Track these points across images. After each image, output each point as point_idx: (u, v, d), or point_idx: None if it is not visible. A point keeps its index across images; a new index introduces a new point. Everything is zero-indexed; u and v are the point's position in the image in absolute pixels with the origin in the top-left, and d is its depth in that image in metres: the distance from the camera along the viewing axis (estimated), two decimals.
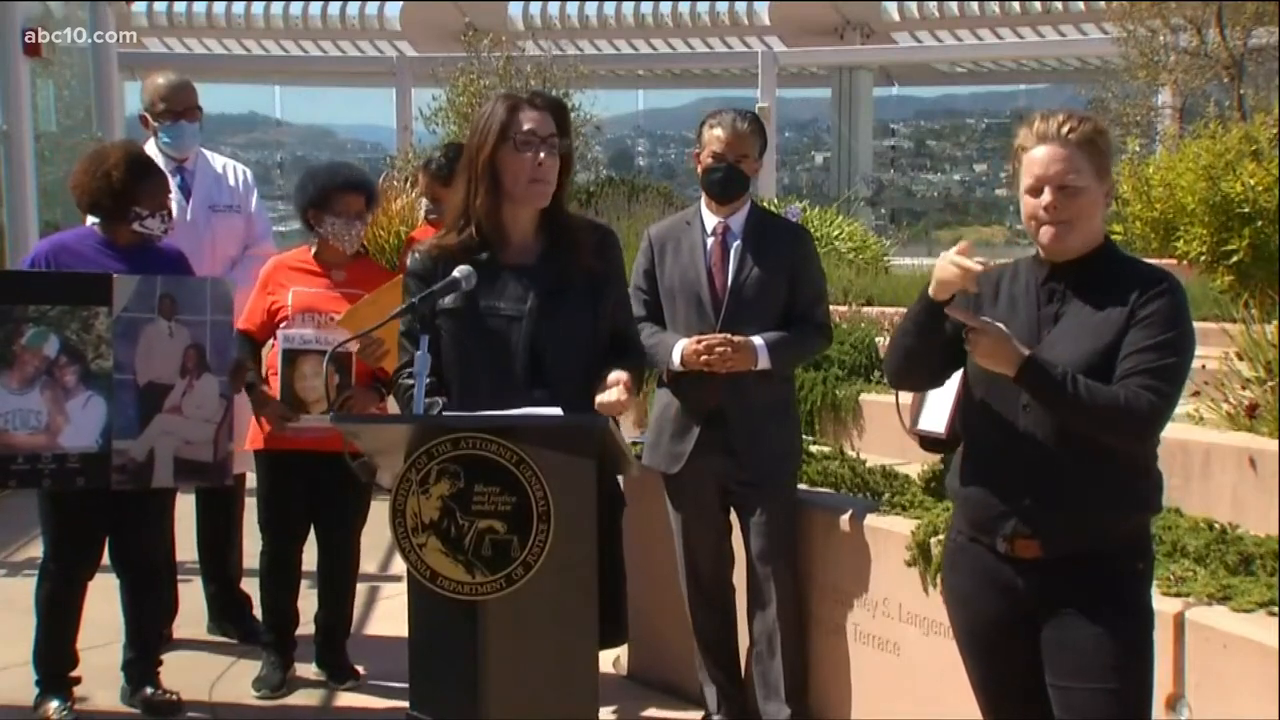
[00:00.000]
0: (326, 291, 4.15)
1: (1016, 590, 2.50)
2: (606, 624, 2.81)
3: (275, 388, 4.08)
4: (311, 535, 4.33)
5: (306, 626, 4.42)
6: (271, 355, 4.19)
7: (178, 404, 3.85)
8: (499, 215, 2.99)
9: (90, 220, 4.13)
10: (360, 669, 4.36)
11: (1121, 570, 2.47)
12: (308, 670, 4.39)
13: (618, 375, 2.91)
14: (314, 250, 4.24)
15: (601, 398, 2.88)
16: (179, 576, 4.74)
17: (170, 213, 4.09)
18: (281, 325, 4.08)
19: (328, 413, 3.93)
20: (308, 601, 4.41)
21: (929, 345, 2.55)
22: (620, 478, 3.14)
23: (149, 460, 3.81)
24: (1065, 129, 2.44)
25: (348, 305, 4.07)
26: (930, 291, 2.48)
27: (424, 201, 4.75)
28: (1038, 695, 2.51)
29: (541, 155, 2.93)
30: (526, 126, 2.94)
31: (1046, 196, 2.43)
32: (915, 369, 2.66)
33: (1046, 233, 2.45)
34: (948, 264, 2.44)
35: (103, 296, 3.75)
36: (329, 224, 4.13)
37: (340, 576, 4.32)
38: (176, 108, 4.69)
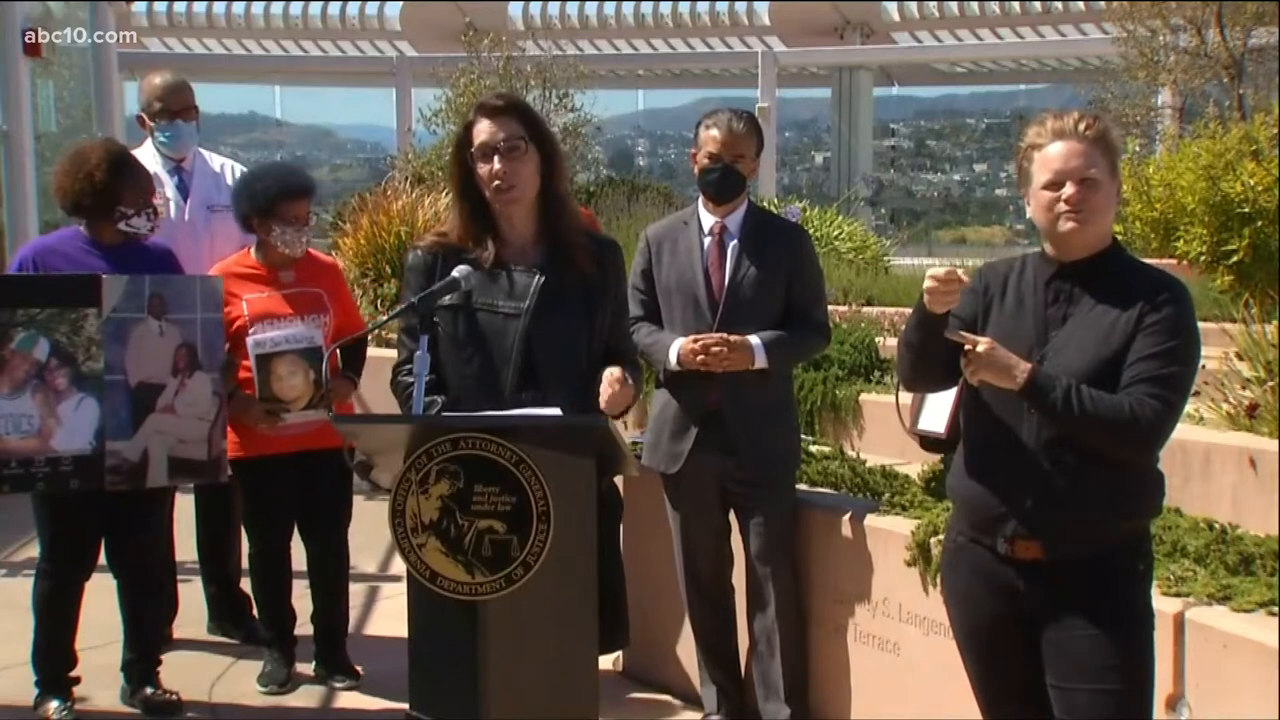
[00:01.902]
0: (277, 294, 4.13)
1: (1017, 591, 2.50)
2: (607, 628, 2.81)
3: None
4: (298, 537, 4.32)
5: (305, 626, 4.41)
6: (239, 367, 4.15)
7: (170, 403, 3.84)
8: (488, 221, 3.03)
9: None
10: (359, 669, 4.36)
11: (1122, 572, 2.47)
12: (307, 670, 4.38)
13: (610, 371, 2.93)
14: (256, 253, 4.21)
15: (602, 397, 2.90)
16: (179, 576, 4.74)
17: (156, 210, 4.08)
18: (250, 332, 4.04)
19: (309, 408, 3.96)
20: (307, 601, 4.42)
21: (932, 351, 2.55)
22: (618, 481, 3.14)
23: (143, 460, 3.81)
24: (1081, 125, 2.47)
25: (299, 308, 4.09)
26: (925, 304, 2.48)
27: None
28: (1037, 695, 2.51)
29: (496, 164, 2.96)
30: (479, 140, 2.99)
31: (1068, 190, 2.44)
32: (925, 374, 2.66)
33: (1067, 225, 2.45)
34: (928, 282, 2.44)
35: (91, 298, 3.73)
36: (277, 232, 4.11)
37: (333, 575, 4.33)
38: (173, 107, 4.69)
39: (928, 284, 2.44)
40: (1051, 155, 2.46)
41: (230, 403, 4.02)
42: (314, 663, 4.37)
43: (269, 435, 4.04)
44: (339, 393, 4.10)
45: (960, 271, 2.45)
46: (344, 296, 4.29)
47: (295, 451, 4.04)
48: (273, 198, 4.09)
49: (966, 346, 2.44)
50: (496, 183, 2.97)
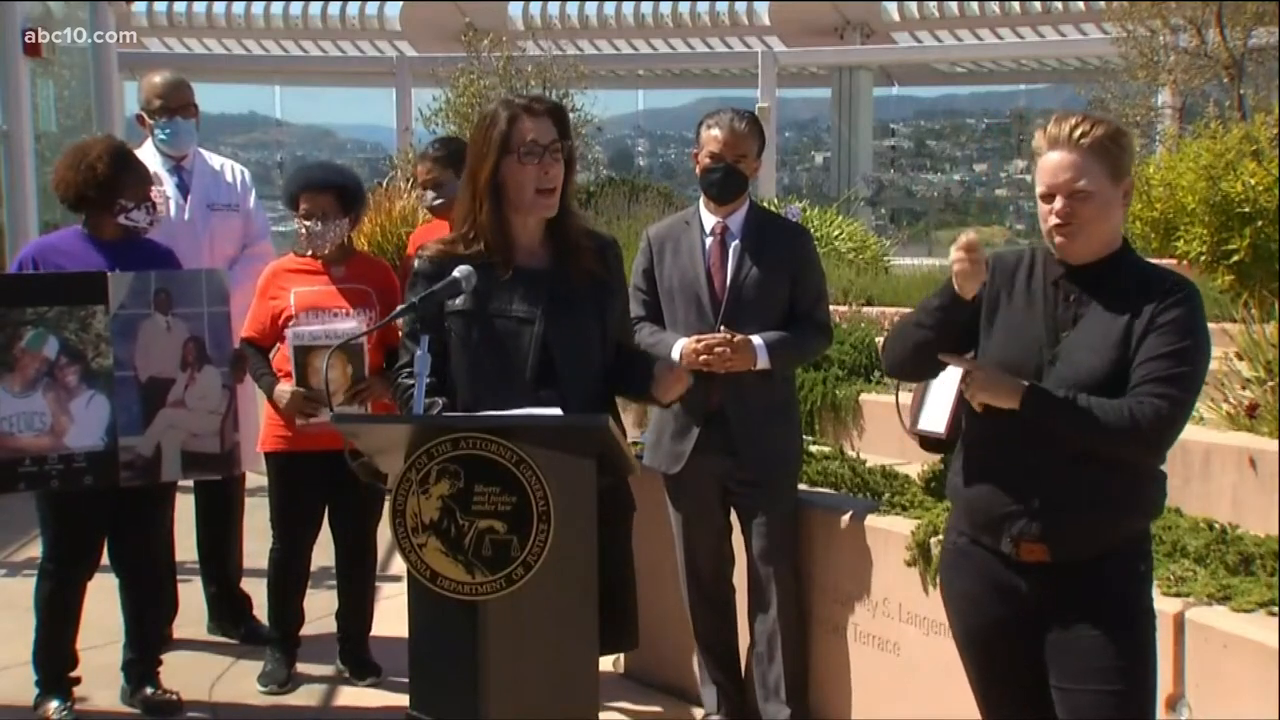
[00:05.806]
0: (328, 288, 4.17)
1: (1020, 593, 2.49)
2: (616, 628, 2.80)
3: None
4: (324, 535, 4.33)
5: (308, 626, 4.42)
6: (279, 358, 4.18)
7: (180, 397, 3.87)
8: (506, 226, 2.97)
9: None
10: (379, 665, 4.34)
11: (1124, 572, 2.47)
12: (327, 669, 4.40)
13: (664, 361, 3.00)
14: (299, 248, 4.26)
15: (663, 381, 2.95)
16: (179, 576, 4.74)
17: (154, 205, 4.10)
18: (289, 324, 4.09)
19: (344, 404, 3.98)
20: (313, 600, 4.42)
21: (945, 338, 2.55)
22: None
23: (156, 455, 3.83)
24: (1077, 133, 2.43)
25: (349, 301, 4.13)
26: (956, 288, 2.49)
27: (427, 195, 4.67)
28: (1038, 696, 2.51)
29: (547, 165, 2.91)
30: (529, 137, 2.91)
31: (1057, 204, 2.44)
32: (922, 361, 2.64)
33: (1056, 239, 2.47)
34: (957, 254, 2.46)
35: (99, 295, 3.75)
36: (300, 226, 4.18)
37: (359, 574, 4.34)
38: (172, 105, 4.70)
39: (958, 260, 2.44)
40: (1045, 167, 2.46)
41: (272, 394, 4.08)
42: (337, 659, 4.38)
43: (305, 432, 4.06)
44: (377, 391, 4.06)
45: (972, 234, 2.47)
46: (392, 297, 4.27)
47: (330, 450, 4.02)
48: (290, 193, 4.19)
49: (965, 366, 2.45)
50: (543, 183, 2.91)
